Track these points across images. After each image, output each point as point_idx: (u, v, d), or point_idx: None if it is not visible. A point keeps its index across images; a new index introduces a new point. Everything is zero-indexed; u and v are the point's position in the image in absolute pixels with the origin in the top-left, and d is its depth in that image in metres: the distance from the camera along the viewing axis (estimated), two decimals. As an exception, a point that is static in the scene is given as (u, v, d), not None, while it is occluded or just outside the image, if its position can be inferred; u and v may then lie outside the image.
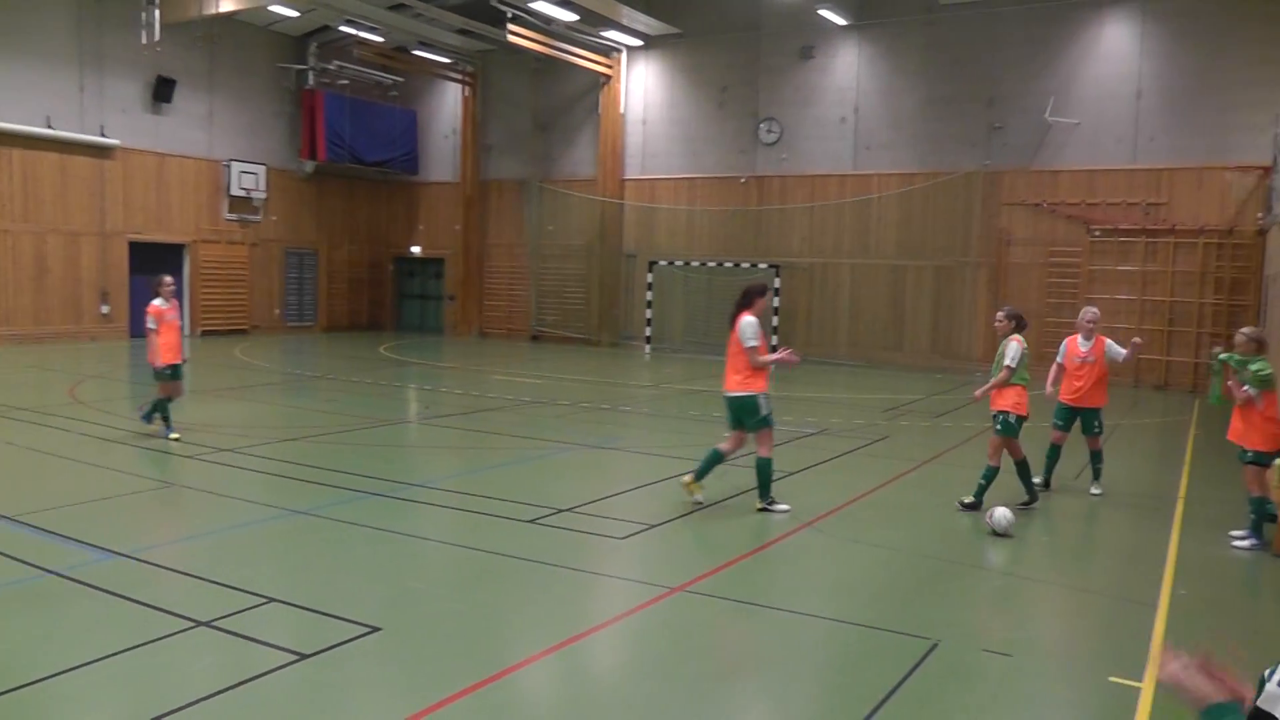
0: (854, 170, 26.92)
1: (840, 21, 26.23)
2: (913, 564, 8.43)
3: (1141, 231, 23.28)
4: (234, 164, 29.56)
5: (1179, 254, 22.99)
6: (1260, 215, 21.65)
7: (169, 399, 12.96)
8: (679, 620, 6.81)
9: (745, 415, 9.75)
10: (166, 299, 13.19)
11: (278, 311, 31.85)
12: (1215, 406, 10.13)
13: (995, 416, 10.06)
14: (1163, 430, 17.20)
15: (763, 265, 27.77)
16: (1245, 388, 9.00)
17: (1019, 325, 10.22)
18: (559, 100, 31.77)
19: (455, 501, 9.97)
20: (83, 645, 5.96)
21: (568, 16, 26.43)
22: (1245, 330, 9.44)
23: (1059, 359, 11.36)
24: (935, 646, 6.28)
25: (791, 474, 11.27)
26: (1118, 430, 16.41)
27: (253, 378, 20.42)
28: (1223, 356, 9.55)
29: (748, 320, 9.68)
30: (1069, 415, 11.14)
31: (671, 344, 29.29)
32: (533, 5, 25.71)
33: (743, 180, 28.44)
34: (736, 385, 9.77)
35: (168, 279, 13.51)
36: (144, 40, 25.40)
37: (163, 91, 27.59)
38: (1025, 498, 10.27)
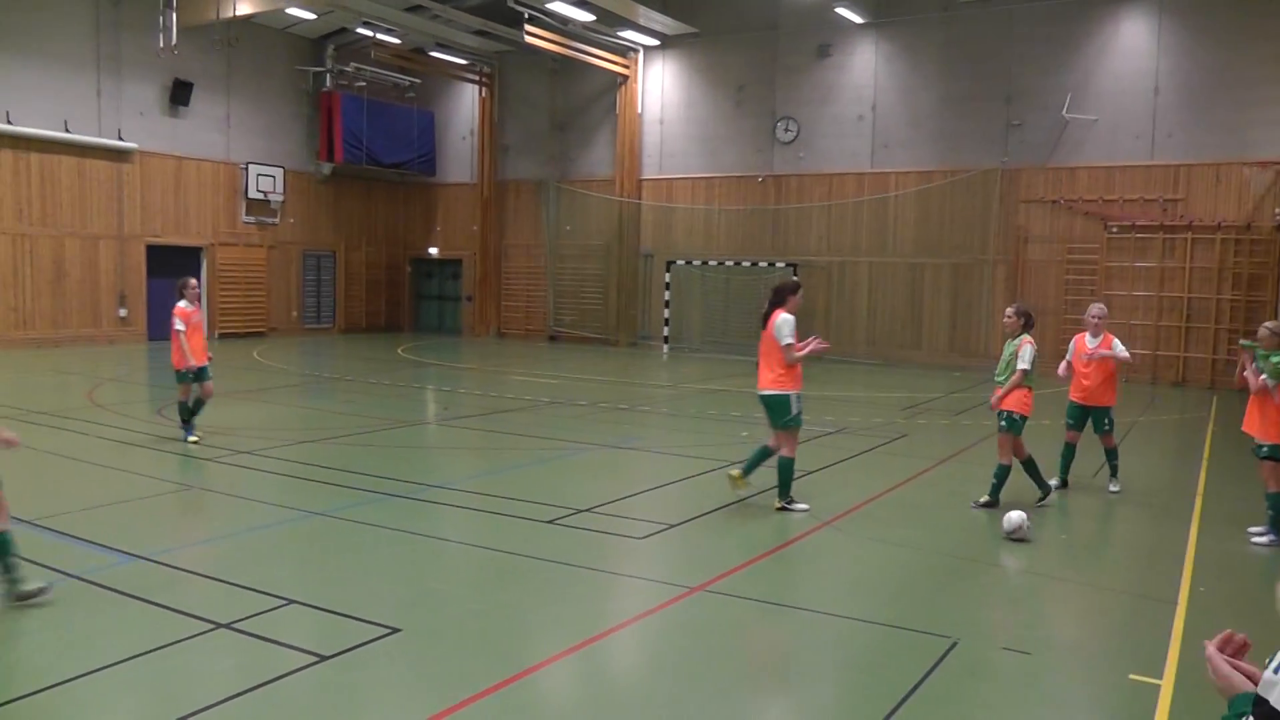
0: (871, 168, 26.87)
1: (857, 20, 26.18)
2: (932, 562, 8.41)
3: (1159, 228, 23.17)
4: (251, 166, 29.69)
5: (1197, 250, 22.88)
6: (1278, 211, 21.53)
7: (188, 402, 12.96)
8: (699, 620, 6.81)
9: (776, 413, 9.73)
10: (191, 301, 13.15)
11: (295, 313, 31.97)
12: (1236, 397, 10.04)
13: (1000, 415, 10.05)
14: (1181, 427, 17.12)
15: (780, 264, 27.76)
16: (1263, 376, 8.97)
17: (1028, 323, 10.21)
18: (576, 100, 31.81)
19: (474, 502, 9.99)
20: (103, 648, 6.00)
21: (585, 17, 26.45)
22: (1269, 324, 9.39)
23: (1068, 356, 11.32)
24: (955, 645, 6.27)
25: (810, 473, 11.25)
26: (1136, 427, 16.36)
27: (271, 380, 20.51)
28: (1245, 343, 9.53)
29: (784, 317, 9.68)
30: (1080, 414, 11.11)
31: (689, 344, 29.29)
32: (550, 6, 25.75)
33: (760, 179, 28.41)
34: (770, 383, 9.77)
35: (193, 281, 13.47)
36: (161, 44, 25.56)
37: (180, 94, 27.72)
38: (1039, 495, 10.25)
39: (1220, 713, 2.27)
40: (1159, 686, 5.73)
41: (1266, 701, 1.69)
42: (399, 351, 27.49)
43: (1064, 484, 11.12)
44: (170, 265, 27.65)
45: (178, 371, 12.96)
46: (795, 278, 12.36)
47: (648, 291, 30.54)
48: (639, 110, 30.23)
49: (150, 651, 5.85)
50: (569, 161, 32.10)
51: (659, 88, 30.13)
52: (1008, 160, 24.93)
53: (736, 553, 8.34)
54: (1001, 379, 10.11)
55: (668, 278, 29.80)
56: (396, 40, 30.01)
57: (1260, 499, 9.35)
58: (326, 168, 32.00)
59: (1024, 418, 10.02)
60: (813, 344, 9.84)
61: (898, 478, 11.54)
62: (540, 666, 5.90)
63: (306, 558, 8.14)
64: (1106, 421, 11.01)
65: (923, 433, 15.14)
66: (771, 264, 28.06)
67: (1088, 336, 11.15)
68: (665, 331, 29.93)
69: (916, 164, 26.25)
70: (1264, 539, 9.04)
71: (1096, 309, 11.24)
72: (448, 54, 31.38)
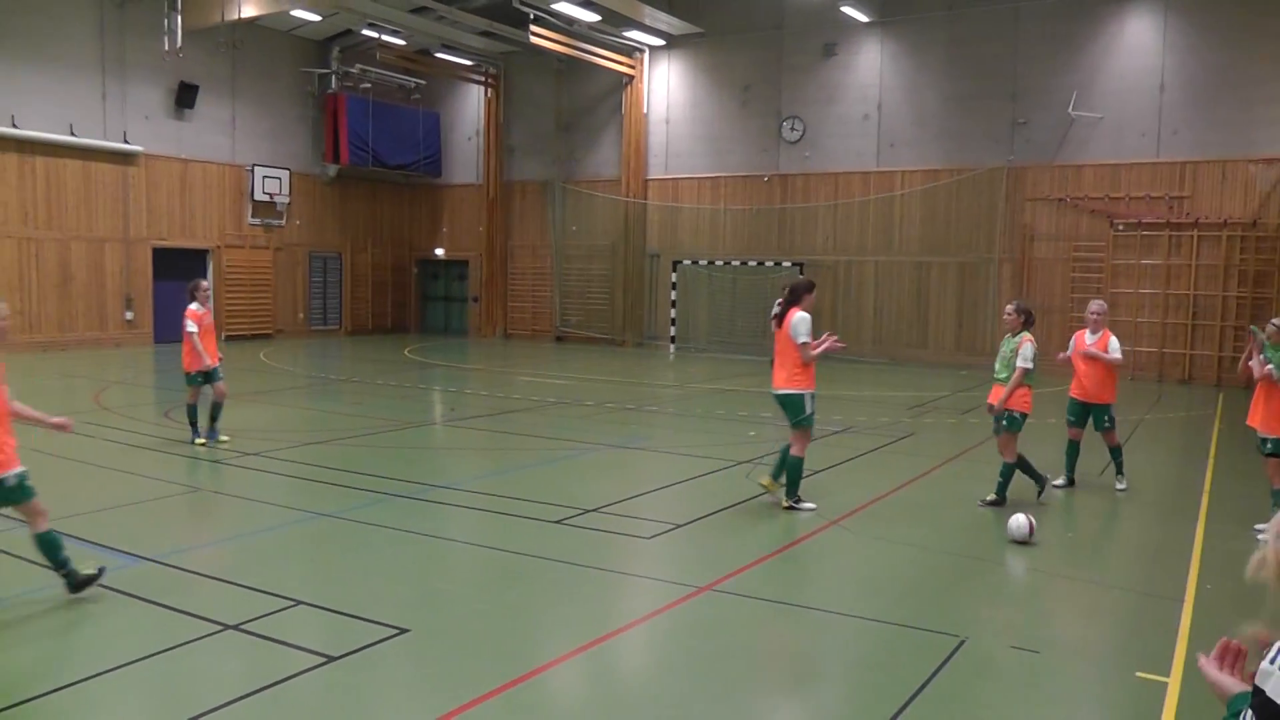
0: (877, 167, 26.85)
1: (863, 19, 26.16)
2: (939, 561, 8.41)
3: (1165, 225, 23.13)
4: (257, 169, 29.74)
5: (1202, 247, 22.85)
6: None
7: (197, 405, 12.95)
8: (707, 619, 6.82)
9: (790, 412, 9.74)
10: (203, 303, 13.12)
11: (302, 315, 32.02)
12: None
13: (1001, 414, 10.03)
14: (1187, 424, 17.08)
15: (787, 264, 27.77)
16: (1270, 366, 8.97)
17: (1029, 321, 10.21)
18: (582, 101, 31.83)
19: (481, 503, 10.00)
20: (112, 650, 6.03)
21: (590, 17, 26.46)
22: (1277, 320, 9.40)
23: (1067, 352, 11.31)
24: (963, 643, 6.27)
25: (817, 472, 11.24)
26: (1142, 425, 16.34)
27: (277, 382, 20.55)
28: (1255, 329, 9.54)
29: (800, 316, 9.70)
30: (1081, 411, 11.10)
31: (696, 344, 29.30)
32: (555, 6, 25.75)
33: (766, 179, 28.41)
34: (784, 382, 9.77)
35: (204, 283, 13.42)
36: (166, 47, 25.59)
37: (185, 97, 27.76)
38: (1037, 490, 10.24)
39: (1224, 712, 2.27)
40: (1166, 684, 5.73)
41: (1263, 691, 1.71)
42: (405, 353, 27.52)
43: (1070, 482, 11.12)
44: (176, 268, 27.73)
45: (187, 374, 12.93)
46: (809, 277, 12.34)
47: (654, 292, 30.55)
48: (645, 110, 30.24)
49: (159, 653, 5.87)
50: (575, 162, 32.11)
51: (665, 88, 30.14)
52: (1013, 158, 24.91)
53: (744, 552, 8.34)
54: (1002, 377, 10.10)
55: (674, 278, 29.82)
56: (402, 42, 30.04)
57: (1266, 496, 9.35)
58: (332, 169, 32.04)
59: (1024, 415, 10.03)
60: (827, 342, 9.84)
61: (904, 477, 11.54)
62: (548, 667, 5.91)
63: (314, 559, 8.16)
64: (1106, 419, 10.99)
65: (929, 432, 15.13)
66: (778, 264, 28.07)
67: (1087, 334, 11.15)
68: (672, 331, 29.94)
69: (922, 163, 26.23)
70: None
71: (1096, 306, 11.26)
72: (453, 55, 31.41)
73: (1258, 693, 1.71)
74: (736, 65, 28.81)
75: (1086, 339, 11.11)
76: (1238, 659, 2.27)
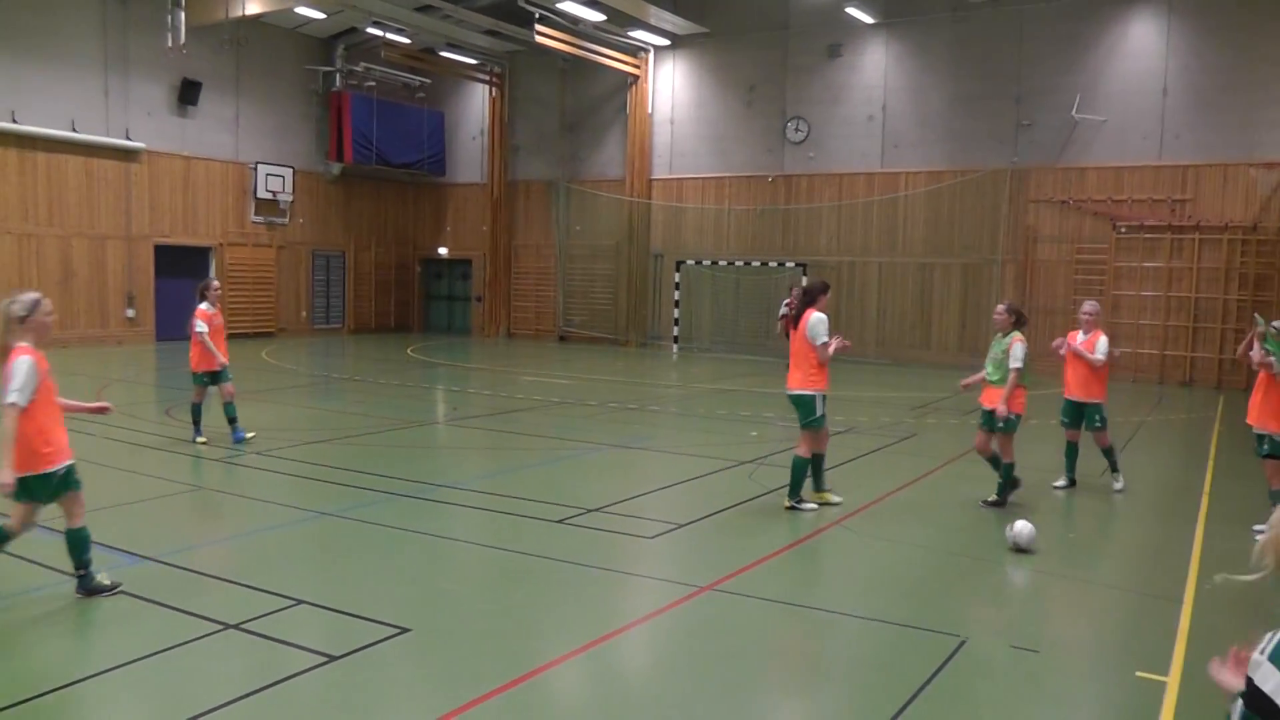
0: (882, 168, 26.86)
1: (868, 20, 26.18)
2: (940, 561, 8.42)
3: (1167, 228, 23.15)
4: (260, 166, 29.76)
5: (1204, 250, 22.88)
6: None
7: (202, 404, 12.92)
8: (709, 619, 6.83)
9: (800, 413, 9.75)
10: (213, 303, 13.09)
11: (305, 314, 32.04)
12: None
13: (993, 415, 10.04)
14: (1188, 426, 17.09)
15: (790, 264, 27.80)
16: (1271, 358, 8.99)
17: (1019, 321, 10.23)
18: (586, 100, 31.84)
19: (484, 502, 10.01)
20: (112, 649, 6.04)
21: (595, 16, 26.46)
22: (1275, 324, 9.43)
23: (1061, 350, 11.32)
24: (964, 643, 6.28)
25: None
26: (1143, 427, 16.36)
27: (280, 380, 20.57)
28: (1259, 318, 9.57)
29: (817, 317, 9.71)
30: (1074, 412, 11.11)
31: (699, 344, 29.33)
32: (560, 6, 25.77)
33: (770, 179, 28.42)
34: (797, 383, 9.79)
35: (215, 283, 13.41)
36: (169, 43, 25.53)
37: (188, 94, 27.78)
38: (994, 497, 10.24)
39: (1225, 710, 2.29)
40: (1165, 684, 5.75)
41: (1252, 680, 1.75)
42: (408, 352, 27.54)
43: (1071, 483, 11.14)
44: (179, 265, 27.77)
45: (195, 374, 12.91)
46: (824, 278, 12.34)
47: (658, 292, 30.56)
48: (649, 110, 30.25)
49: (159, 652, 5.87)
50: (579, 162, 32.13)
51: (669, 88, 30.14)
52: (1017, 160, 24.92)
53: (746, 552, 8.34)
54: (995, 378, 10.12)
55: (678, 278, 29.83)
56: (406, 40, 30.05)
57: (1265, 497, 9.36)
58: (336, 168, 32.06)
59: (1019, 417, 10.06)
60: (836, 342, 9.85)
61: (906, 477, 11.55)
62: (550, 666, 5.92)
63: (316, 558, 8.17)
64: (1097, 419, 10.97)
65: (931, 432, 15.14)
66: (781, 264, 28.09)
67: (1080, 334, 11.18)
68: (675, 331, 29.96)
69: (926, 164, 26.24)
70: None
71: (1088, 306, 11.29)
72: (458, 54, 31.43)
73: (1248, 682, 1.74)
74: (741, 65, 28.82)
75: (1079, 339, 11.14)
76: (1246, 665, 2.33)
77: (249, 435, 12.76)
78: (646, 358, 27.81)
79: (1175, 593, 7.48)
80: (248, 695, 5.30)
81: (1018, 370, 9.90)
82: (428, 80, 33.30)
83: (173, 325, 26.73)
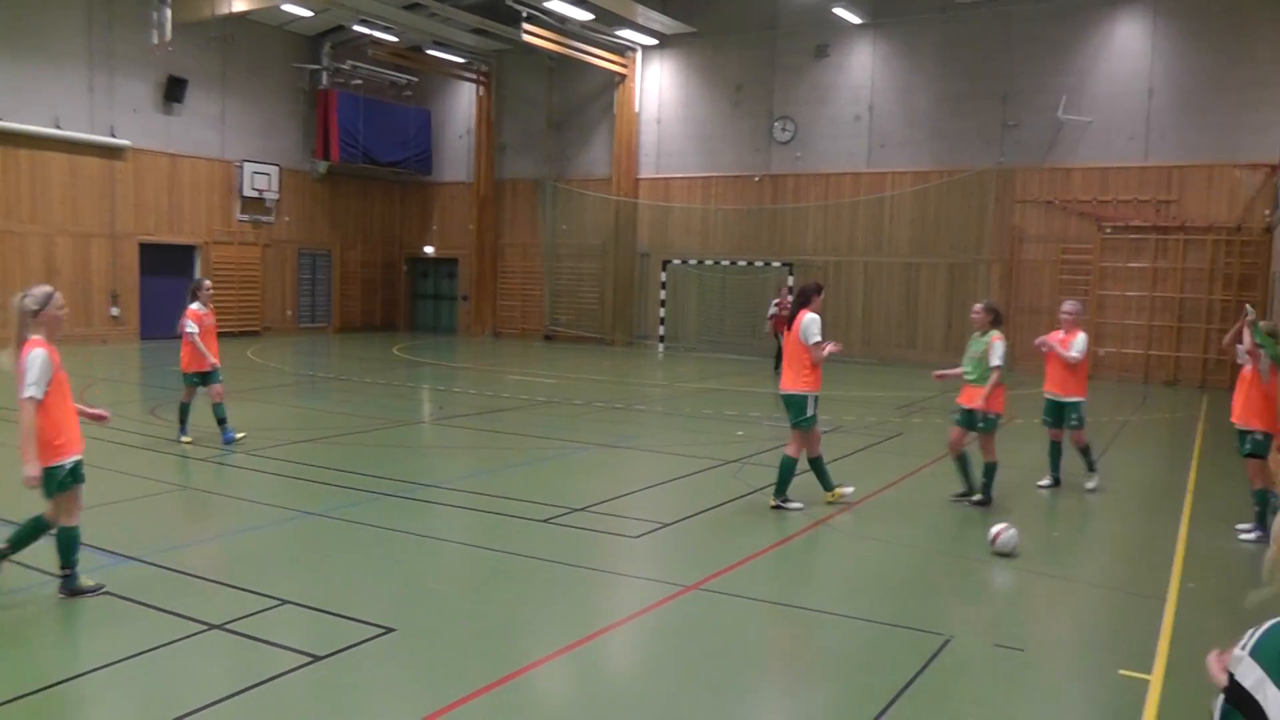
0: (868, 168, 26.91)
1: (855, 20, 26.22)
2: (925, 560, 8.46)
3: (1152, 228, 23.27)
4: (247, 164, 29.65)
5: (1189, 251, 23.01)
6: (1268, 212, 21.67)
7: (190, 404, 12.84)
8: (693, 618, 6.83)
9: (791, 412, 9.77)
10: (205, 303, 13.00)
11: (290, 313, 31.94)
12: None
13: (975, 415, 10.10)
14: (1172, 425, 17.18)
15: (777, 264, 27.84)
16: (1262, 349, 9.06)
17: (997, 319, 10.29)
18: (574, 99, 31.82)
19: (469, 502, 10.00)
20: (95, 650, 6.02)
21: (583, 15, 26.46)
22: (1264, 324, 9.50)
23: (1043, 349, 11.38)
24: (948, 642, 6.30)
25: (804, 471, 11.25)
26: (1128, 426, 16.44)
27: (265, 379, 20.50)
28: (1251, 308, 9.65)
29: (810, 317, 9.71)
30: (1055, 411, 11.16)
31: (685, 343, 29.35)
32: (548, 4, 25.75)
33: (757, 179, 28.45)
34: (790, 383, 9.81)
35: (207, 282, 13.32)
36: (155, 40, 25.42)
37: (174, 91, 27.64)
38: (963, 490, 10.34)
39: (1206, 708, 2.31)
40: (1148, 682, 5.78)
41: (1233, 675, 1.76)
42: (394, 351, 27.49)
43: (1056, 482, 11.20)
44: (164, 264, 27.67)
45: (184, 374, 12.82)
46: (817, 280, 12.37)
47: (644, 291, 30.56)
48: (636, 109, 30.24)
49: (143, 653, 5.84)
50: (566, 160, 32.11)
51: (657, 87, 30.15)
52: (1004, 160, 24.99)
53: (731, 551, 8.35)
54: (972, 377, 10.17)
55: (664, 277, 29.84)
56: (394, 38, 29.97)
57: (1249, 496, 9.42)
58: (322, 166, 31.96)
59: (999, 416, 10.12)
60: (830, 345, 9.87)
61: (892, 476, 11.57)
62: (535, 666, 5.92)
63: (300, 558, 8.15)
64: (1075, 417, 11.01)
65: (917, 432, 15.17)
66: (768, 263, 28.12)
67: (1061, 333, 11.23)
68: (661, 331, 29.98)
69: (913, 164, 26.30)
70: (1251, 535, 9.13)
71: (1069, 306, 11.37)
72: (445, 52, 31.37)
73: (1229, 678, 1.76)
74: (729, 65, 28.84)
75: (1059, 338, 11.21)
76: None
77: (239, 435, 12.69)
78: (633, 357, 27.81)
79: (1159, 591, 7.53)
80: (232, 696, 5.28)
81: (999, 369, 9.95)
82: (415, 78, 33.25)
83: (157, 324, 26.63)
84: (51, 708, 5.27)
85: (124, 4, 26.11)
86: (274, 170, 30.40)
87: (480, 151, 33.00)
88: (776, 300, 23.44)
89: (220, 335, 13.44)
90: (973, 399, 10.10)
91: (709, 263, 29.22)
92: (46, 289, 6.74)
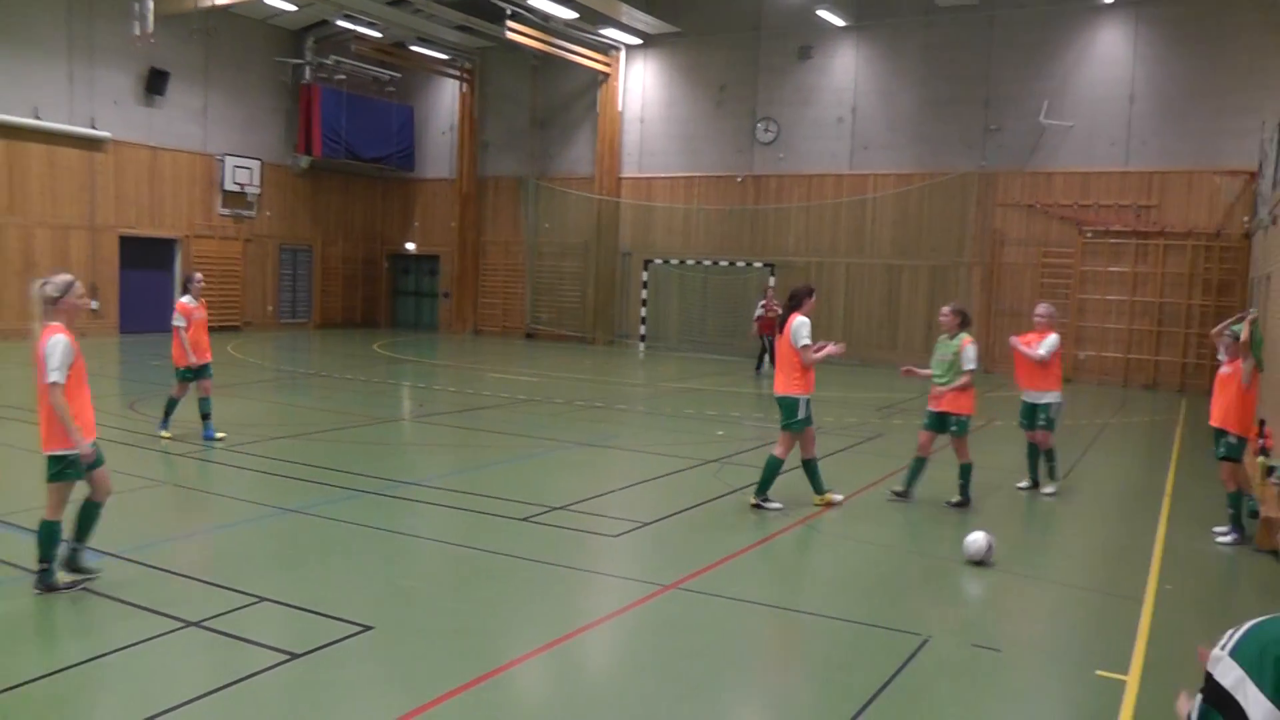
0: (850, 170, 26.98)
1: (839, 22, 26.28)
2: (904, 561, 8.49)
3: (1132, 233, 23.41)
4: (228, 158, 29.49)
5: (1169, 256, 23.16)
6: (1247, 219, 21.82)
7: (179, 400, 12.71)
8: (672, 618, 6.83)
9: (782, 414, 9.78)
10: (196, 296, 12.88)
11: (271, 308, 31.79)
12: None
13: (945, 418, 10.20)
14: (1151, 428, 17.29)
15: (759, 264, 27.87)
16: (1251, 353, 9.14)
17: (965, 322, 10.35)
18: (557, 98, 31.78)
19: (448, 500, 9.97)
20: (71, 646, 5.97)
21: (567, 14, 26.42)
22: (1238, 326, 9.60)
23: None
24: (926, 642, 6.32)
25: (784, 471, 11.27)
26: (1107, 429, 16.51)
27: (245, 375, 20.40)
28: (1254, 310, 9.75)
29: (800, 320, 9.73)
30: (1030, 412, 11.22)
31: (667, 342, 29.35)
32: (532, 2, 25.70)
33: (739, 179, 28.47)
34: (782, 386, 9.86)
35: (198, 275, 13.18)
36: (137, 31, 25.19)
37: (156, 84, 27.46)
38: (898, 488, 10.43)
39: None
40: (1125, 682, 5.81)
41: (1211, 675, 1.77)
42: (375, 347, 27.39)
43: (1034, 484, 11.24)
44: (145, 257, 27.50)
45: (178, 369, 12.72)
46: (808, 283, 12.39)
47: (626, 290, 30.56)
48: (620, 108, 30.23)
49: (119, 650, 5.80)
50: (549, 159, 32.07)
51: (640, 86, 30.14)
52: (985, 164, 25.09)
53: (710, 551, 8.36)
54: (943, 380, 10.22)
55: (646, 276, 29.84)
56: (377, 34, 29.87)
57: (1225, 498, 9.49)
58: (304, 161, 31.82)
59: (970, 418, 10.22)
60: (829, 348, 9.89)
61: (871, 477, 11.60)
62: (513, 665, 5.91)
63: (279, 555, 8.11)
64: (1044, 418, 11.05)
65: (897, 433, 15.20)
66: (749, 264, 28.16)
67: (1034, 334, 11.29)
68: (642, 330, 29.98)
69: (895, 166, 26.38)
70: (1228, 538, 9.19)
71: (1041, 309, 11.41)
72: (429, 49, 31.28)
73: (1207, 678, 1.77)
74: (712, 66, 28.86)
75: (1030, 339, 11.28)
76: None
77: (219, 436, 12.59)
78: (614, 356, 27.80)
79: (1136, 592, 7.57)
80: (208, 694, 5.24)
81: (971, 372, 10.03)
82: (398, 74, 33.15)
83: (138, 318, 26.47)
84: (25, 706, 5.20)
85: (105, -5, 25.91)
86: (256, 164, 30.25)
87: (463, 148, 32.93)
88: (763, 302, 23.47)
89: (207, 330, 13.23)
90: (943, 403, 10.16)
91: (691, 263, 29.24)
92: (67, 277, 6.95)
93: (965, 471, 10.20)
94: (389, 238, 35.37)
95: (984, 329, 24.36)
